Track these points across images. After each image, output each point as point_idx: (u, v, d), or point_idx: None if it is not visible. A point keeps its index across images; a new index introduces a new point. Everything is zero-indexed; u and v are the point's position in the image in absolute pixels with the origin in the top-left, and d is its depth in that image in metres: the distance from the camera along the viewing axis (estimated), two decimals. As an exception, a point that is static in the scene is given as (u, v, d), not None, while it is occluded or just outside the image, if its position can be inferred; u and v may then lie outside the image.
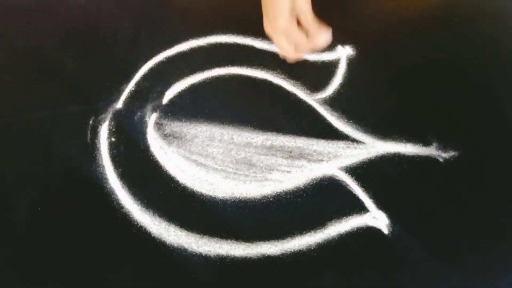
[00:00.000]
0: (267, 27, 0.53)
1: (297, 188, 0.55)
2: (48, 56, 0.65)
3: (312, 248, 0.51)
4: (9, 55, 0.65)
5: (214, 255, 0.50)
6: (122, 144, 0.57)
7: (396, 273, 0.50)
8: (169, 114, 0.60)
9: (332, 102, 0.61)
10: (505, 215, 0.54)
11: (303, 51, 0.53)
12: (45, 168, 0.55)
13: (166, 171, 0.56)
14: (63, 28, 0.68)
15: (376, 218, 0.53)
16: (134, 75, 0.63)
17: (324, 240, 0.51)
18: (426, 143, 0.58)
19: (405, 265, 0.50)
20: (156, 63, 0.64)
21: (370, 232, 0.52)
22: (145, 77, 0.63)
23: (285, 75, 0.63)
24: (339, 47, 0.66)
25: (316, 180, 0.56)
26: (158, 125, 0.59)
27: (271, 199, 0.54)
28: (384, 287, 0.50)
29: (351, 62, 0.65)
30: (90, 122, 0.59)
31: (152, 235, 0.51)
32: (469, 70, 0.66)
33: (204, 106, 0.61)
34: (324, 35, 0.52)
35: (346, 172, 0.56)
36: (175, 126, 0.59)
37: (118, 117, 0.59)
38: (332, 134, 0.59)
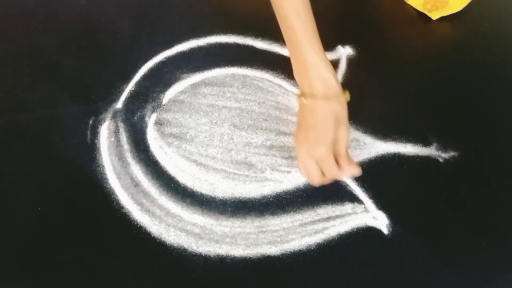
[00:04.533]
0: (301, 150, 0.51)
1: (297, 188, 0.55)
2: (48, 56, 0.65)
3: (312, 248, 0.51)
4: (9, 55, 0.65)
5: (214, 255, 0.50)
6: (122, 144, 0.57)
7: (396, 273, 0.50)
8: (169, 114, 0.60)
9: (332, 102, 0.61)
10: (505, 215, 0.54)
11: (329, 181, 0.52)
12: (45, 168, 0.55)
13: (166, 171, 0.56)
14: (63, 28, 0.68)
15: (376, 218, 0.53)
16: (134, 75, 0.63)
17: (324, 240, 0.51)
18: (426, 143, 0.58)
19: (405, 265, 0.50)
20: (156, 63, 0.64)
21: (370, 232, 0.52)
22: (145, 77, 0.63)
23: (285, 75, 0.63)
24: (339, 47, 0.66)
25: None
26: (158, 125, 0.59)
27: (271, 199, 0.54)
28: (384, 287, 0.50)
29: (351, 62, 0.65)
30: (90, 122, 0.59)
31: (152, 235, 0.51)
32: (469, 70, 0.66)
33: (204, 106, 0.61)
34: (354, 171, 0.51)
35: (346, 172, 0.56)
36: (175, 126, 0.59)
37: (118, 117, 0.59)
38: (332, 134, 0.59)
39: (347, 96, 0.52)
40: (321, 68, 0.51)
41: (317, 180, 0.51)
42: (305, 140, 0.51)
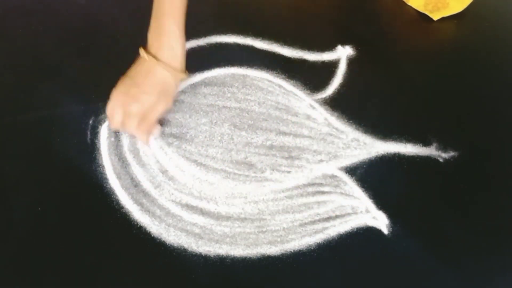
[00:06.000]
0: (118, 97, 0.54)
1: (297, 188, 0.55)
2: (48, 56, 0.65)
3: (312, 248, 0.51)
4: (9, 55, 0.65)
5: (214, 255, 0.50)
6: (122, 144, 0.57)
7: (396, 273, 0.50)
8: (169, 114, 0.60)
9: (332, 102, 0.61)
10: (505, 215, 0.54)
11: (125, 132, 0.57)
12: (45, 168, 0.55)
13: (166, 171, 0.56)
14: (63, 28, 0.68)
15: (376, 218, 0.53)
16: (134, 75, 0.63)
17: (324, 240, 0.51)
18: (426, 143, 0.58)
19: (405, 265, 0.50)
20: (156, 63, 0.64)
21: (370, 232, 0.52)
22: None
23: (285, 75, 0.63)
24: (339, 47, 0.66)
25: (316, 180, 0.56)
26: (158, 125, 0.59)
27: (271, 199, 0.54)
28: (384, 287, 0.50)
29: (351, 62, 0.65)
30: (90, 122, 0.59)
31: (152, 235, 0.51)
32: (469, 71, 0.66)
33: (204, 106, 0.61)
34: (144, 138, 0.56)
35: (346, 172, 0.56)
36: (175, 126, 0.59)
37: (118, 117, 0.59)
38: (332, 134, 0.59)
39: (185, 75, 0.57)
40: (175, 40, 0.54)
41: (115, 127, 0.55)
42: (126, 93, 0.53)
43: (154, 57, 0.54)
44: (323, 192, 0.55)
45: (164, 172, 0.55)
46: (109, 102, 0.54)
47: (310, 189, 0.55)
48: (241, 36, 0.67)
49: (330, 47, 0.66)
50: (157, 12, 0.55)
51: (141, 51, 0.55)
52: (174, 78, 0.55)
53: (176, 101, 0.61)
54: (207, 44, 0.66)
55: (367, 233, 0.52)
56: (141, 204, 0.53)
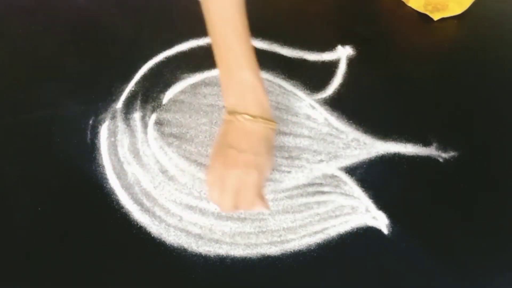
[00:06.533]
0: (226, 174, 0.45)
1: (297, 188, 0.55)
2: (48, 56, 0.65)
3: (312, 248, 0.51)
4: (9, 55, 0.65)
5: (214, 255, 0.50)
6: (122, 144, 0.57)
7: (396, 273, 0.50)
8: (169, 114, 0.60)
9: (332, 102, 0.61)
10: (505, 215, 0.54)
11: (238, 211, 0.50)
12: (45, 168, 0.55)
13: (166, 171, 0.56)
14: (63, 28, 0.68)
15: (376, 218, 0.53)
16: (134, 75, 0.63)
17: (324, 240, 0.51)
18: (426, 143, 0.58)
19: (405, 265, 0.50)
20: (156, 63, 0.64)
21: (370, 232, 0.52)
22: (145, 77, 0.63)
23: (285, 75, 0.63)
24: (339, 47, 0.66)
25: (316, 180, 0.56)
26: (158, 125, 0.59)
27: (271, 199, 0.54)
28: (384, 287, 0.50)
29: (351, 62, 0.65)
30: (90, 122, 0.59)
31: (152, 235, 0.51)
32: (469, 70, 0.66)
33: (204, 106, 0.61)
34: (265, 208, 0.47)
35: (346, 172, 0.56)
36: (175, 126, 0.59)
37: (118, 117, 0.59)
38: (332, 134, 0.59)
39: (275, 124, 0.49)
40: (259, 92, 0.47)
41: (229, 210, 0.46)
42: (234, 164, 0.44)
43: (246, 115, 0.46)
44: (323, 192, 0.55)
45: (164, 172, 0.55)
46: (211, 186, 0.47)
47: (310, 189, 0.55)
48: (241, 36, 0.66)
49: (330, 47, 0.66)
50: (228, 61, 0.48)
51: (228, 116, 0.47)
52: (272, 128, 0.48)
53: (176, 101, 0.61)
54: (207, 44, 0.65)
55: (367, 233, 0.52)
56: (141, 204, 0.53)
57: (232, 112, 0.47)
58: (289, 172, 0.56)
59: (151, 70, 0.63)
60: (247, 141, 0.46)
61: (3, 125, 0.59)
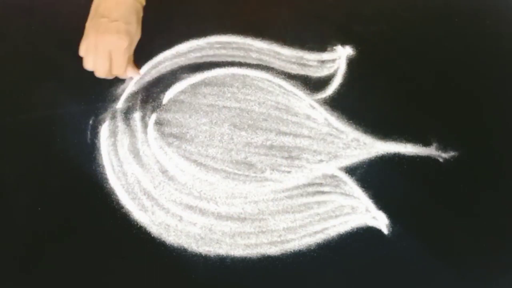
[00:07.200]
0: (99, 39, 0.50)
1: (297, 188, 0.55)
2: (48, 56, 0.65)
3: (312, 248, 0.51)
4: (9, 55, 0.65)
5: (214, 255, 0.50)
6: (122, 144, 0.57)
7: (396, 273, 0.50)
8: (169, 114, 0.60)
9: (332, 102, 0.61)
10: (505, 215, 0.54)
11: (112, 76, 0.55)
12: (45, 168, 0.55)
13: (166, 171, 0.56)
14: (63, 28, 0.68)
15: (376, 218, 0.53)
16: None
17: (324, 240, 0.51)
18: (426, 143, 0.58)
19: (405, 265, 0.50)
20: (156, 63, 0.64)
21: (370, 232, 0.52)
22: (145, 77, 0.63)
23: (285, 75, 0.63)
24: (339, 47, 0.66)
25: (316, 180, 0.56)
26: (158, 125, 0.59)
27: (271, 199, 0.54)
28: (384, 287, 0.50)
29: (351, 62, 0.65)
30: (90, 122, 0.59)
31: (152, 235, 0.51)
32: (469, 70, 0.66)
33: (204, 106, 0.61)
34: (135, 73, 0.55)
35: (346, 172, 0.56)
36: (175, 126, 0.59)
37: (118, 117, 0.59)
38: (332, 134, 0.59)
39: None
40: None
41: (104, 74, 0.51)
42: (106, 31, 0.49)
43: None
44: (323, 192, 0.55)
45: (164, 172, 0.55)
46: (86, 51, 0.51)
47: (310, 189, 0.55)
48: (241, 36, 0.66)
49: (330, 47, 0.66)
50: None
51: None
52: (141, 4, 0.54)
53: (176, 101, 0.61)
54: (207, 44, 0.66)
55: (367, 233, 0.52)
56: (141, 204, 0.53)
57: None
58: (289, 172, 0.56)
59: (151, 70, 0.63)
60: (118, 10, 0.50)
61: (3, 125, 0.59)
